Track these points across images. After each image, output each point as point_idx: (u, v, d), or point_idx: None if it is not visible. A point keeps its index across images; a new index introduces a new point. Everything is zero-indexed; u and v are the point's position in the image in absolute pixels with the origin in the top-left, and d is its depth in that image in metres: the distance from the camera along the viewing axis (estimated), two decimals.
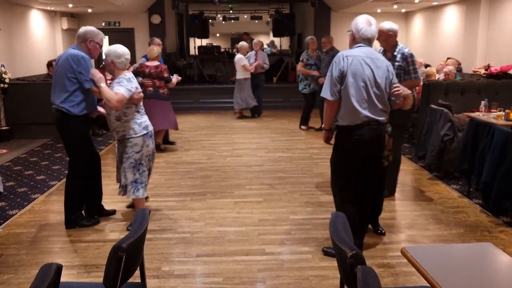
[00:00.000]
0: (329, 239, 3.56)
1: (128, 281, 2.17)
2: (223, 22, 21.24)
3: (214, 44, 19.45)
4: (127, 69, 4.01)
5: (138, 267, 2.34)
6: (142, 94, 3.93)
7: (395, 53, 4.25)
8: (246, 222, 4.24)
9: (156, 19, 12.51)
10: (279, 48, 17.26)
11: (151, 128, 4.03)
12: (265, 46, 19.78)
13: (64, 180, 5.57)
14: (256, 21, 20.49)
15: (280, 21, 14.97)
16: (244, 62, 9.50)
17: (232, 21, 21.33)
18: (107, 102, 3.74)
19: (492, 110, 5.82)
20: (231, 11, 18.95)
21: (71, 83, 3.85)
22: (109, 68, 3.90)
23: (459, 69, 8.75)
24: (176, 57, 13.82)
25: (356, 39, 3.44)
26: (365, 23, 3.44)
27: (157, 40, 7.23)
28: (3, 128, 8.07)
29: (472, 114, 5.75)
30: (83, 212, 4.23)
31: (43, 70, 9.64)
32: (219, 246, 3.76)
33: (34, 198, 4.99)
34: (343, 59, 3.32)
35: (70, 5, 10.09)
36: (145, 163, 4.01)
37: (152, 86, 6.53)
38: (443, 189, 5.15)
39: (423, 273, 1.96)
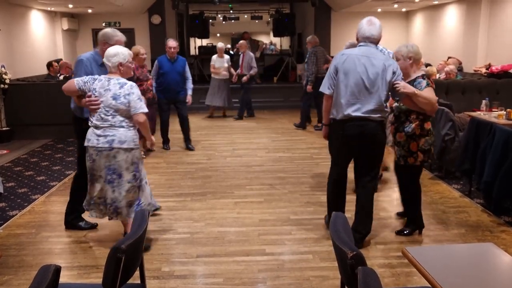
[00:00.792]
0: (330, 239, 3.56)
1: (127, 282, 2.16)
2: (223, 22, 21.23)
3: (215, 44, 19.45)
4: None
5: (138, 268, 2.33)
6: (91, 102, 3.45)
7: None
8: (246, 223, 4.22)
9: (156, 19, 12.51)
10: (279, 48, 17.26)
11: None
12: (268, 45, 19.77)
13: (64, 180, 5.60)
14: (257, 21, 20.46)
15: (280, 21, 14.96)
16: (212, 63, 9.60)
17: (232, 21, 21.32)
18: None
19: (493, 110, 5.80)
20: (231, 11, 18.94)
21: None
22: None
23: (459, 68, 8.73)
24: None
25: (358, 39, 3.59)
26: (365, 23, 3.56)
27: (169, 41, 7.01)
28: (4, 128, 8.06)
29: (473, 114, 5.73)
30: (82, 214, 4.20)
31: (43, 71, 9.63)
32: (220, 246, 3.75)
33: (34, 199, 4.98)
34: (339, 56, 3.55)
35: (70, 6, 10.08)
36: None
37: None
38: (444, 189, 5.13)
39: (424, 274, 1.95)
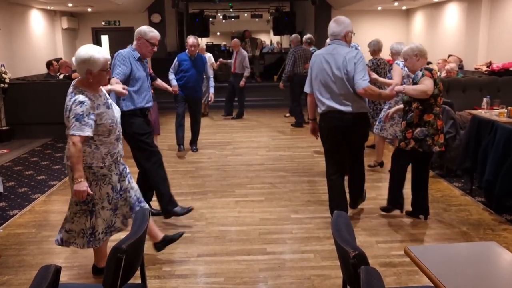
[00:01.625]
0: (331, 238, 3.54)
1: (128, 282, 2.14)
2: (223, 20, 21.22)
3: (215, 42, 19.44)
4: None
5: (139, 268, 2.32)
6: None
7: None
8: (247, 222, 4.21)
9: (156, 18, 12.49)
10: (277, 47, 17.22)
11: None
12: (267, 44, 19.74)
13: (65, 180, 5.58)
14: (257, 20, 20.46)
15: (281, 20, 14.94)
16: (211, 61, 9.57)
17: (233, 19, 21.31)
18: None
19: (494, 107, 5.79)
20: (231, 10, 18.93)
21: None
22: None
23: (460, 66, 8.72)
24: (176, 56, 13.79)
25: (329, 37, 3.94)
26: (331, 22, 3.87)
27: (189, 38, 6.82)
28: (4, 128, 8.05)
29: (474, 112, 5.71)
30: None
31: (43, 70, 9.62)
32: (220, 245, 3.74)
33: (34, 198, 4.97)
34: (313, 56, 3.93)
35: (70, 5, 10.07)
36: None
37: None
38: (446, 187, 5.12)
39: (426, 273, 1.94)
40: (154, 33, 3.95)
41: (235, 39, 9.90)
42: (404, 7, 12.46)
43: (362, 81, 3.62)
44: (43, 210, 4.65)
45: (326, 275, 3.23)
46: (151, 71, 6.50)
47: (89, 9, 11.38)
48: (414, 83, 3.85)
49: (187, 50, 6.70)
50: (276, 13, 15.92)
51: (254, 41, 13.31)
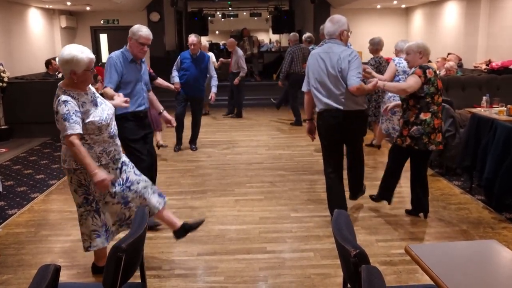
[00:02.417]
0: (331, 237, 3.53)
1: (128, 281, 2.14)
2: (222, 19, 21.20)
3: (214, 41, 19.41)
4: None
5: (139, 267, 2.31)
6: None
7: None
8: (247, 220, 4.21)
9: (155, 17, 12.47)
10: (276, 45, 17.20)
11: None
12: (266, 42, 19.71)
13: (64, 178, 5.57)
14: (256, 18, 20.43)
15: (280, 18, 14.93)
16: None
17: (231, 18, 21.28)
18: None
19: (494, 106, 5.79)
20: (230, 8, 18.91)
21: None
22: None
23: (459, 65, 8.72)
24: (175, 55, 13.76)
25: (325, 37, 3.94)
26: (327, 21, 3.87)
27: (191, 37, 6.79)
28: (2, 127, 8.04)
29: (474, 110, 5.71)
30: None
31: (42, 69, 9.59)
32: (220, 244, 3.73)
33: (33, 198, 4.96)
34: (310, 55, 3.93)
35: (69, 3, 10.04)
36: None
37: None
38: (445, 186, 5.12)
39: (427, 272, 1.94)
40: (142, 32, 3.78)
41: (230, 39, 9.88)
42: (403, 6, 12.45)
43: (355, 79, 3.61)
44: (42, 209, 4.63)
45: (326, 274, 3.23)
46: (151, 70, 6.52)
47: (88, 8, 11.36)
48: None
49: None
50: (275, 11, 15.92)
51: (251, 39, 13.29)
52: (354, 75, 3.62)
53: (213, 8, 19.05)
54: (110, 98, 3.42)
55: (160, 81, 5.97)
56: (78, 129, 2.77)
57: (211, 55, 9.50)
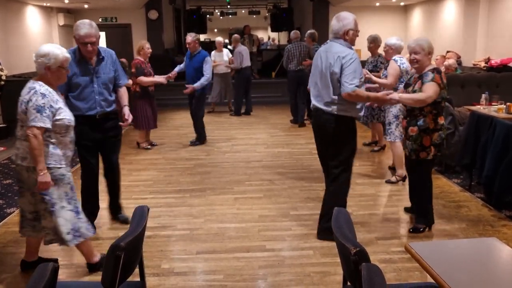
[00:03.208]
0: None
1: (127, 279, 2.13)
2: (221, 17, 21.17)
3: (212, 39, 19.36)
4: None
5: (138, 266, 2.30)
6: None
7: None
8: (246, 218, 4.20)
9: (153, 15, 12.43)
10: (273, 43, 17.17)
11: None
12: (265, 40, 19.68)
13: None
14: (254, 16, 20.42)
15: (278, 16, 14.89)
16: (212, 58, 9.52)
17: (230, 16, 21.24)
18: None
19: (493, 103, 5.78)
20: (228, 6, 18.87)
21: None
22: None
23: (458, 62, 8.71)
24: (174, 52, 13.75)
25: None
26: (334, 17, 3.65)
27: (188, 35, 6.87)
28: (0, 125, 8.01)
29: (473, 108, 5.71)
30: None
31: None
32: (219, 243, 3.72)
33: None
34: (316, 53, 3.81)
35: (66, 1, 10.01)
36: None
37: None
38: (444, 184, 5.11)
39: (428, 270, 1.93)
40: (79, 31, 3.37)
41: (235, 35, 9.92)
42: (402, 3, 12.44)
43: (348, 85, 3.36)
44: None
45: (325, 272, 3.22)
46: (148, 65, 6.56)
47: (86, 6, 11.32)
48: (423, 83, 3.56)
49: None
50: (274, 9, 15.88)
51: (252, 38, 13.27)
52: (348, 81, 3.37)
53: (212, 6, 19.00)
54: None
55: (144, 78, 6.12)
56: (48, 124, 2.80)
57: (226, 52, 9.56)
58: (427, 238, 3.78)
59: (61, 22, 11.44)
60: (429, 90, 3.50)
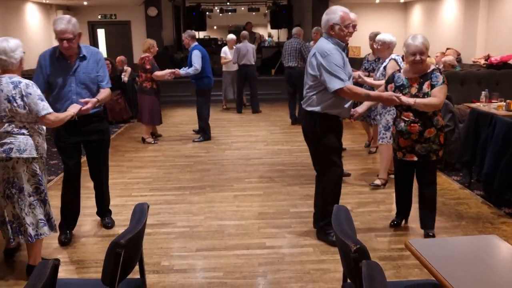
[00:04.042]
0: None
1: (127, 277, 2.13)
2: (220, 14, 21.11)
3: (212, 36, 19.36)
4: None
5: (138, 263, 2.30)
6: None
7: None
8: (246, 216, 4.20)
9: (153, 12, 12.41)
10: (274, 40, 17.14)
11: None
12: (266, 38, 19.66)
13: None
14: (254, 13, 20.34)
15: (278, 13, 14.86)
16: (223, 55, 9.67)
17: (229, 13, 21.17)
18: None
19: (493, 101, 5.77)
20: (228, 3, 18.82)
21: None
22: None
23: (458, 60, 8.71)
24: (173, 50, 13.73)
25: None
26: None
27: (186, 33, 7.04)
28: None
29: (473, 105, 5.71)
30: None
31: None
32: (219, 240, 3.73)
33: None
34: None
35: None
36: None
37: (140, 80, 6.85)
38: (444, 181, 5.11)
39: (428, 267, 1.93)
40: (55, 26, 3.25)
41: (243, 32, 9.94)
42: (402, 0, 12.41)
43: (332, 84, 3.21)
44: None
45: (325, 269, 3.22)
46: (148, 62, 6.59)
47: (85, 3, 11.29)
48: (432, 85, 3.44)
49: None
50: (273, 6, 15.85)
51: (253, 35, 13.24)
52: (329, 80, 3.22)
53: (211, 3, 18.94)
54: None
55: (159, 72, 6.24)
56: (51, 108, 3.00)
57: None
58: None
59: None
60: (441, 94, 3.42)
